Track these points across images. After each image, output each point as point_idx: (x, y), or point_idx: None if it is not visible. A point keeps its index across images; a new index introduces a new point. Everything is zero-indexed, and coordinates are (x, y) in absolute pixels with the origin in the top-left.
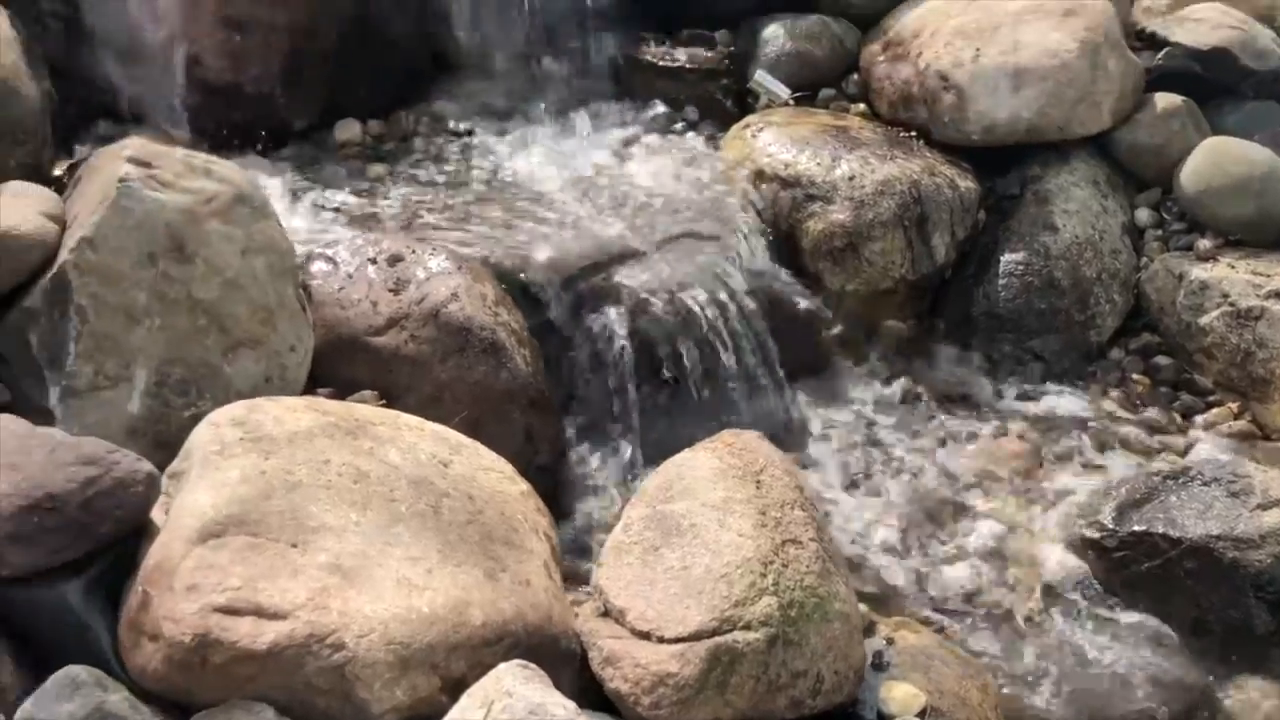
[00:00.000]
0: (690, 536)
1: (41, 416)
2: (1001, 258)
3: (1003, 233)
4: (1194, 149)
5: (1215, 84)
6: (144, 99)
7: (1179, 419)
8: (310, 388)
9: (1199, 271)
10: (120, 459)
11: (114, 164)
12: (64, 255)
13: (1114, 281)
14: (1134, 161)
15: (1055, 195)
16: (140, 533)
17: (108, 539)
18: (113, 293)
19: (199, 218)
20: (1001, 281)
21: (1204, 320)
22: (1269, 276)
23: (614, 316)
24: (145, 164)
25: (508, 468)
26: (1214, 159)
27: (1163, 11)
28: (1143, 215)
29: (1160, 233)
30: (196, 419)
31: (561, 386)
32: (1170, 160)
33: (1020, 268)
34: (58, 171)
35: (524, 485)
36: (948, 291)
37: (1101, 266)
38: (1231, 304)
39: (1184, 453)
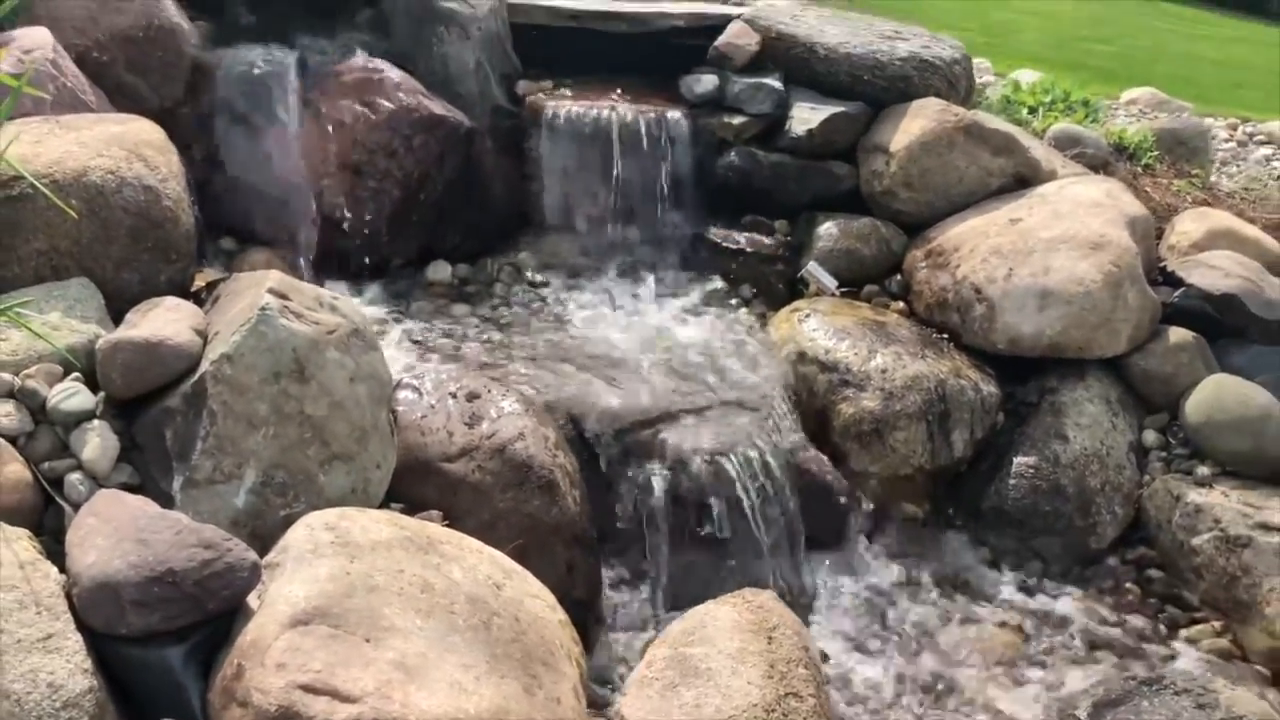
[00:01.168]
0: (705, 679)
1: (163, 499)
2: (1014, 459)
3: (1018, 436)
4: (1200, 382)
5: (1225, 325)
6: (265, 223)
7: (1164, 630)
8: (385, 501)
9: (1195, 496)
10: (232, 547)
11: (255, 292)
12: (205, 366)
13: (1117, 494)
14: (1145, 386)
15: (1069, 408)
16: (236, 612)
17: (212, 614)
18: (240, 402)
19: (320, 346)
20: (1012, 481)
21: (1196, 541)
22: (1259, 509)
23: (656, 471)
24: (283, 295)
25: (550, 597)
26: (1217, 395)
27: (1186, 251)
28: (1150, 436)
29: (1165, 454)
30: (289, 519)
31: (603, 529)
32: (1178, 389)
33: (1030, 471)
34: (197, 284)
35: (563, 615)
36: (963, 484)
37: (1106, 479)
38: (1222, 530)
39: (1164, 662)
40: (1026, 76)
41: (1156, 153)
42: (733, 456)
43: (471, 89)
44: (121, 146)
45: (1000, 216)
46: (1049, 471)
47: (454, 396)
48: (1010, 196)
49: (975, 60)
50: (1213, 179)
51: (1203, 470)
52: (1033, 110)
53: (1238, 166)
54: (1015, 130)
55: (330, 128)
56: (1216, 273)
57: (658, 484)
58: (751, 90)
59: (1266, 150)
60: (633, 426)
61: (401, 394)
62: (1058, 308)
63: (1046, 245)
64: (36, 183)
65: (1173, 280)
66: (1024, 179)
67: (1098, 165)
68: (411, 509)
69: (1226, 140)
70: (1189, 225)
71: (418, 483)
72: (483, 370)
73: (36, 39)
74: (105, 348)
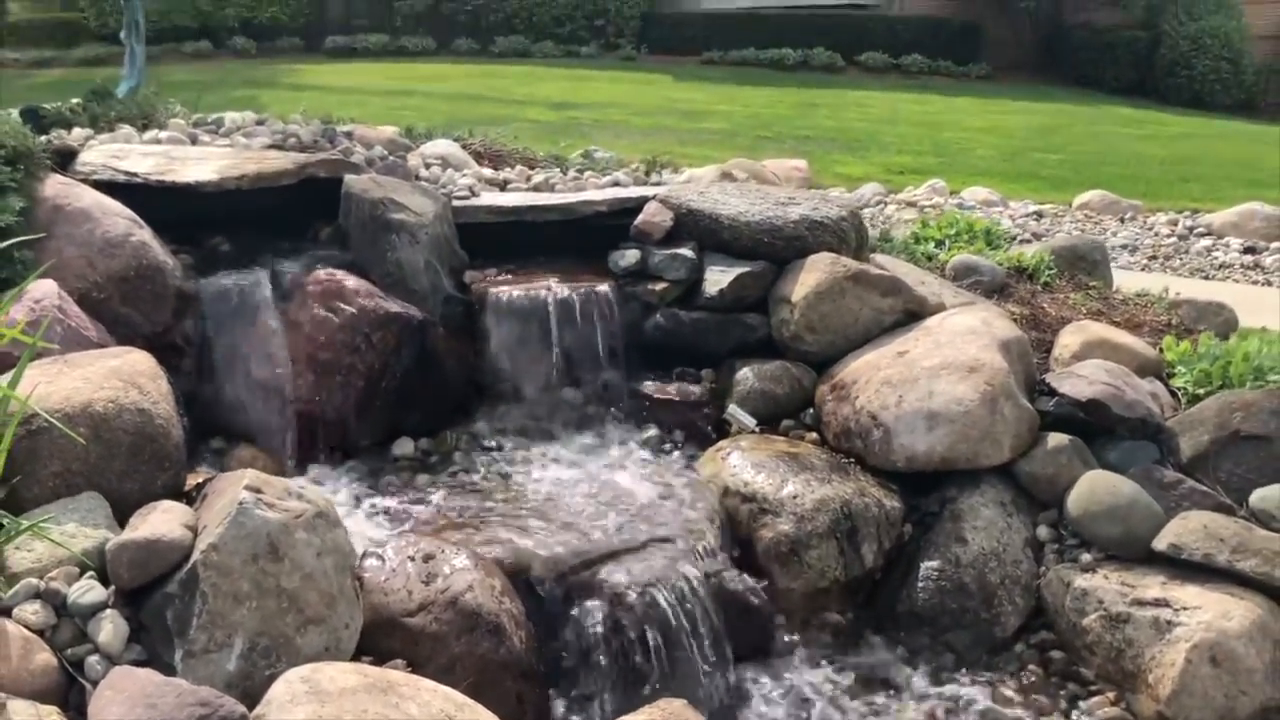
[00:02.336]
0: None
1: (167, 670)
2: (921, 564)
3: (923, 543)
4: (1078, 479)
5: (1098, 426)
6: (247, 422)
7: (1064, 704)
8: (357, 655)
9: (1081, 580)
10: (224, 703)
11: (235, 489)
12: (196, 555)
13: (1016, 586)
14: (1033, 487)
15: (966, 514)
16: None
17: None
18: (226, 582)
19: (290, 529)
20: (920, 584)
21: (1085, 622)
22: (1134, 587)
23: (595, 606)
24: (257, 490)
25: None
26: (1090, 489)
27: (1067, 362)
28: (1043, 531)
29: (1057, 546)
30: (273, 677)
31: (551, 661)
32: (1061, 487)
33: (936, 573)
34: (190, 484)
35: None
36: (879, 591)
37: (1005, 574)
38: (1105, 609)
39: None
40: (979, 193)
41: (1055, 270)
42: (663, 586)
43: (423, 285)
44: (119, 378)
45: (890, 350)
46: (952, 572)
47: (412, 559)
48: (901, 331)
49: (931, 180)
50: (1114, 288)
51: (1086, 557)
52: (939, 243)
53: (1180, 260)
54: (905, 268)
55: (300, 332)
56: (1083, 381)
57: (597, 617)
58: (669, 260)
59: (1206, 242)
60: (573, 569)
61: (367, 561)
62: (944, 426)
63: (929, 373)
64: (51, 419)
65: (1051, 390)
66: (914, 313)
67: (994, 290)
68: (380, 659)
69: (1168, 236)
70: (1068, 339)
71: (384, 637)
72: (441, 532)
73: (44, 289)
74: (114, 548)
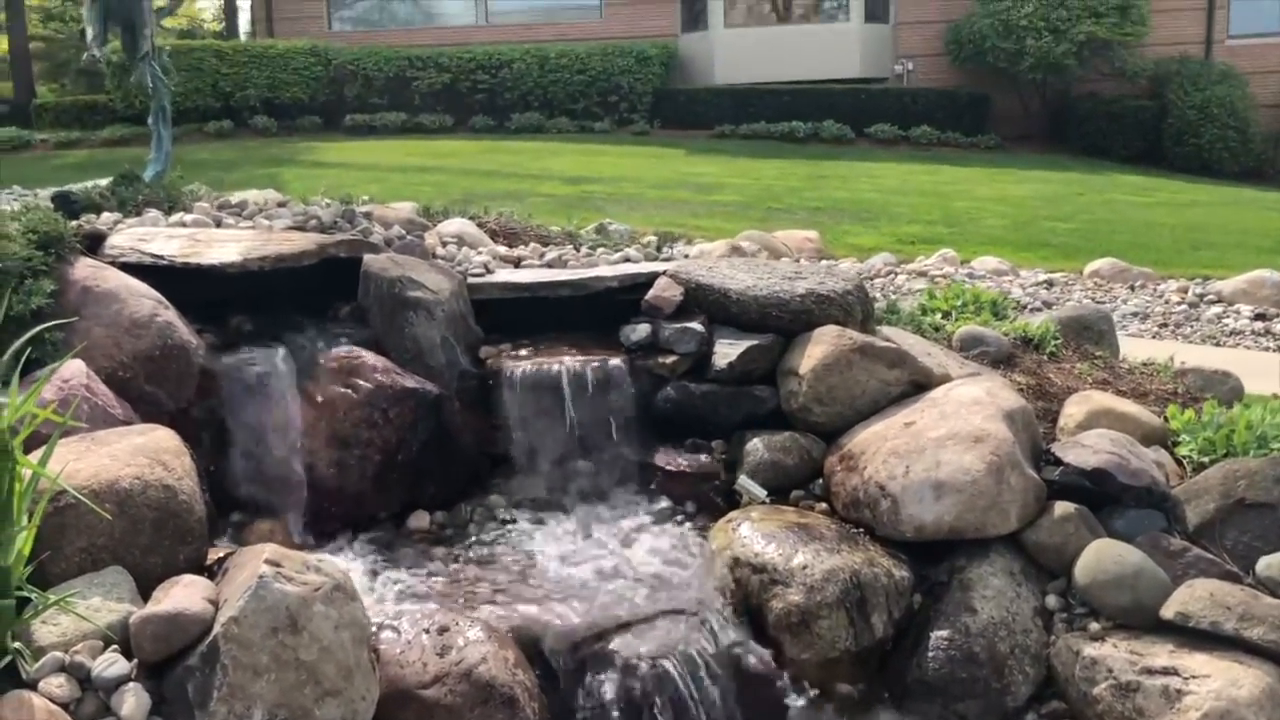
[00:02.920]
0: None
1: None
2: (931, 634)
3: (933, 613)
4: (1086, 548)
5: (1104, 495)
6: (267, 496)
7: None
8: None
9: (1090, 649)
10: None
11: (255, 563)
12: (217, 628)
13: (1025, 655)
14: (1041, 556)
15: (975, 583)
16: None
17: None
18: (246, 655)
19: (309, 602)
20: (930, 654)
21: (1095, 691)
22: (1142, 655)
23: (608, 677)
24: (276, 564)
25: None
26: (1097, 558)
27: (1073, 431)
28: (1051, 600)
29: (1066, 615)
30: None
31: None
32: (1069, 556)
33: (945, 642)
34: (211, 559)
35: None
36: (890, 661)
37: (1014, 643)
38: (1115, 678)
39: None
40: (989, 263)
41: (1060, 340)
42: (675, 658)
43: (440, 360)
44: (144, 455)
45: (897, 421)
46: (962, 641)
47: (427, 631)
48: (908, 402)
49: (941, 250)
50: (1120, 357)
51: (1095, 626)
52: (946, 314)
53: (1191, 327)
54: (912, 340)
55: (319, 409)
56: (1087, 450)
57: (609, 689)
58: (679, 333)
59: (1217, 309)
60: (586, 640)
61: (383, 634)
62: (951, 496)
63: (936, 443)
64: (79, 495)
65: (1057, 460)
66: (920, 384)
67: (1001, 360)
68: None
69: (1179, 303)
70: (1073, 409)
71: (400, 709)
72: (456, 604)
73: (72, 369)
74: (137, 622)
